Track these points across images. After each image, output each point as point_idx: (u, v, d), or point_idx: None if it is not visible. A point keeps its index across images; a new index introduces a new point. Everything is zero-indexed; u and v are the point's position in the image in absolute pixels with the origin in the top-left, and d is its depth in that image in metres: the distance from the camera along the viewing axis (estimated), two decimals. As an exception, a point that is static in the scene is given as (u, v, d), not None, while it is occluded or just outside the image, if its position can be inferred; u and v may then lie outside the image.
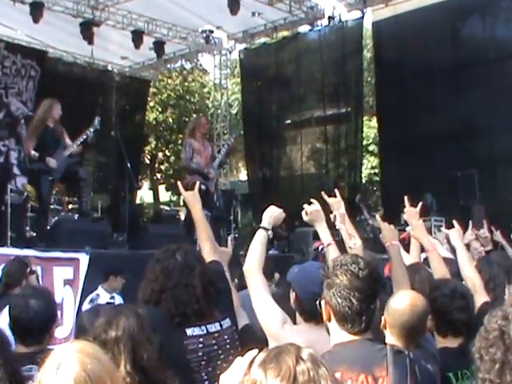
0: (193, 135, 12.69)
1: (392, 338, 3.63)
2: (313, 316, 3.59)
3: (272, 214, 4.23)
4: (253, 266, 3.92)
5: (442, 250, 5.53)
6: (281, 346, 2.11)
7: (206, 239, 4.52)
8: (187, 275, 3.72)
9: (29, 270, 6.76)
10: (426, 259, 5.27)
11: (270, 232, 4.14)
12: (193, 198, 4.82)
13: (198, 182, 5.09)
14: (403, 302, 3.71)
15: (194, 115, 32.71)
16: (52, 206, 12.14)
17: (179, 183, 5.26)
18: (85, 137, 11.12)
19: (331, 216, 4.95)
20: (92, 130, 11.17)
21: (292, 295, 3.80)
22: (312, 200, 4.55)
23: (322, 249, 4.47)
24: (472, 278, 4.64)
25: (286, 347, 2.10)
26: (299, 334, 3.50)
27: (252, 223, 18.98)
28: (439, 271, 4.66)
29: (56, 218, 11.96)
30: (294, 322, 3.79)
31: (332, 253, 4.15)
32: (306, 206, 4.53)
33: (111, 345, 3.09)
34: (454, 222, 5.21)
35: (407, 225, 5.39)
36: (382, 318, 3.69)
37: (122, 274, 8.77)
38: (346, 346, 2.96)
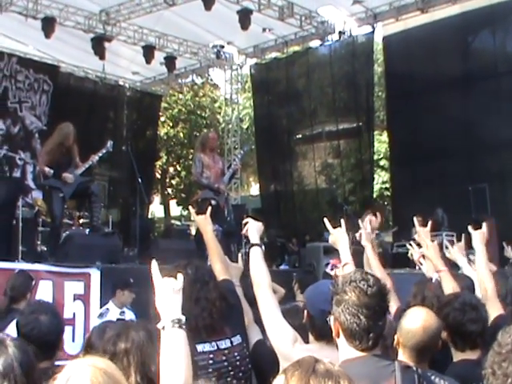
0: (203, 150, 12.65)
1: (404, 357, 3.63)
2: (323, 334, 3.56)
3: (258, 229, 4.25)
4: (262, 282, 3.89)
5: (467, 266, 5.48)
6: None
7: (217, 260, 4.49)
8: (198, 289, 3.71)
9: (34, 283, 6.76)
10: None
11: (262, 247, 4.14)
12: (204, 221, 4.80)
13: (209, 208, 5.06)
14: (416, 322, 3.71)
15: (205, 130, 32.82)
16: (63, 221, 12.16)
17: (191, 208, 5.25)
18: (97, 158, 11.16)
19: (356, 235, 5.03)
20: (104, 151, 11.24)
21: (305, 312, 3.79)
22: (341, 223, 4.56)
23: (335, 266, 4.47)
24: (485, 283, 4.60)
25: (306, 356, 2.12)
26: (310, 353, 3.47)
27: (263, 238, 18.97)
28: (449, 290, 4.65)
29: (67, 232, 11.96)
30: (307, 338, 3.77)
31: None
32: (330, 228, 4.55)
33: (121, 356, 3.09)
34: (483, 225, 5.13)
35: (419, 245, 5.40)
36: (395, 337, 3.68)
37: (130, 288, 8.69)
38: (353, 363, 2.95)
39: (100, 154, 11.21)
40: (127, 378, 2.91)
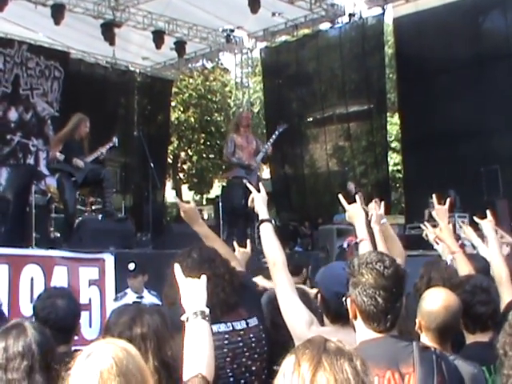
0: (236, 130, 12.89)
1: (426, 339, 3.64)
2: (338, 316, 3.55)
3: (264, 201, 4.07)
4: (277, 260, 3.76)
5: (483, 246, 5.49)
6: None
7: (223, 251, 4.26)
8: (207, 268, 3.69)
9: None
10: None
11: (272, 221, 3.96)
12: (192, 212, 4.75)
13: (193, 203, 5.05)
14: (437, 302, 3.70)
15: (216, 114, 32.90)
16: (76, 207, 12.22)
17: (178, 200, 5.24)
18: (103, 151, 11.27)
19: (369, 214, 5.01)
20: (110, 145, 11.34)
21: (318, 296, 3.77)
22: (357, 199, 4.54)
23: (356, 243, 4.44)
24: (499, 269, 4.62)
25: (315, 336, 2.13)
26: (326, 335, 3.47)
27: (276, 221, 18.99)
28: (464, 271, 4.66)
29: (80, 218, 12.01)
30: (321, 322, 3.77)
31: (364, 249, 4.13)
32: (346, 205, 4.53)
33: (137, 341, 3.11)
34: (488, 213, 5.17)
35: (434, 220, 5.40)
36: (416, 321, 3.69)
37: (134, 274, 8.55)
38: (371, 344, 2.96)
39: (105, 149, 11.32)
40: (146, 363, 2.96)
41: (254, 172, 12.76)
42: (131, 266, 8.42)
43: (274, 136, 14.00)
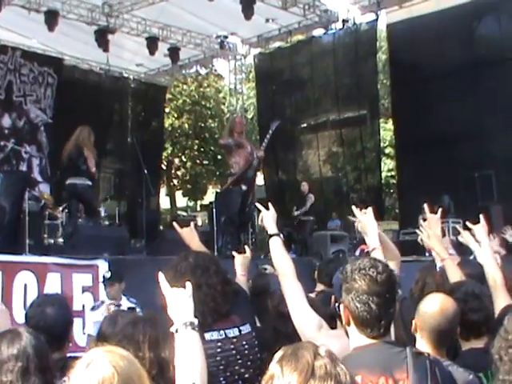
0: (230, 135, 12.97)
1: (422, 341, 3.65)
2: None
3: (273, 218, 4.25)
4: (287, 272, 3.91)
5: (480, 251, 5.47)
6: (298, 344, 2.12)
7: None
8: (199, 276, 3.71)
9: None
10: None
11: (281, 235, 4.15)
12: (190, 234, 4.93)
13: (192, 223, 5.14)
14: (434, 305, 3.72)
15: (210, 120, 32.86)
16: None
17: (175, 224, 5.28)
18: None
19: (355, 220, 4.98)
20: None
21: (333, 297, 3.81)
22: (368, 209, 4.52)
23: (368, 252, 4.42)
24: (493, 274, 4.61)
25: (304, 344, 2.10)
26: (335, 338, 3.47)
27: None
28: (455, 278, 4.66)
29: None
30: (334, 327, 3.80)
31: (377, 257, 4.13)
32: (358, 215, 4.51)
33: (137, 335, 3.21)
34: (481, 217, 5.16)
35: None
36: (413, 322, 3.70)
37: (110, 282, 8.46)
38: (365, 350, 2.95)
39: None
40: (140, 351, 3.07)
41: (252, 173, 13.02)
42: (107, 274, 8.39)
43: (268, 134, 14.10)
